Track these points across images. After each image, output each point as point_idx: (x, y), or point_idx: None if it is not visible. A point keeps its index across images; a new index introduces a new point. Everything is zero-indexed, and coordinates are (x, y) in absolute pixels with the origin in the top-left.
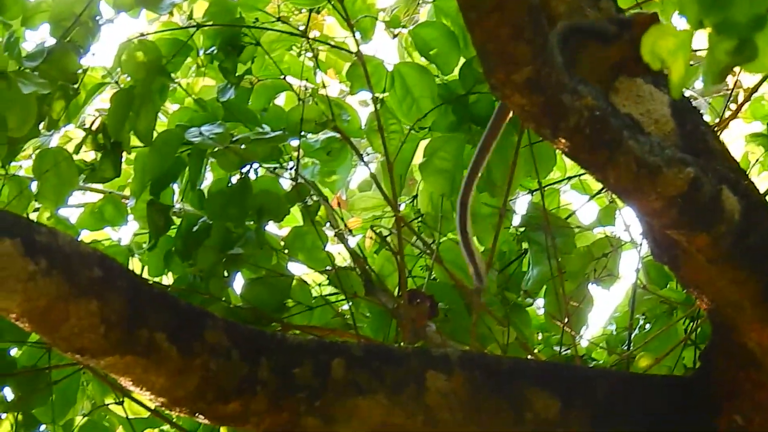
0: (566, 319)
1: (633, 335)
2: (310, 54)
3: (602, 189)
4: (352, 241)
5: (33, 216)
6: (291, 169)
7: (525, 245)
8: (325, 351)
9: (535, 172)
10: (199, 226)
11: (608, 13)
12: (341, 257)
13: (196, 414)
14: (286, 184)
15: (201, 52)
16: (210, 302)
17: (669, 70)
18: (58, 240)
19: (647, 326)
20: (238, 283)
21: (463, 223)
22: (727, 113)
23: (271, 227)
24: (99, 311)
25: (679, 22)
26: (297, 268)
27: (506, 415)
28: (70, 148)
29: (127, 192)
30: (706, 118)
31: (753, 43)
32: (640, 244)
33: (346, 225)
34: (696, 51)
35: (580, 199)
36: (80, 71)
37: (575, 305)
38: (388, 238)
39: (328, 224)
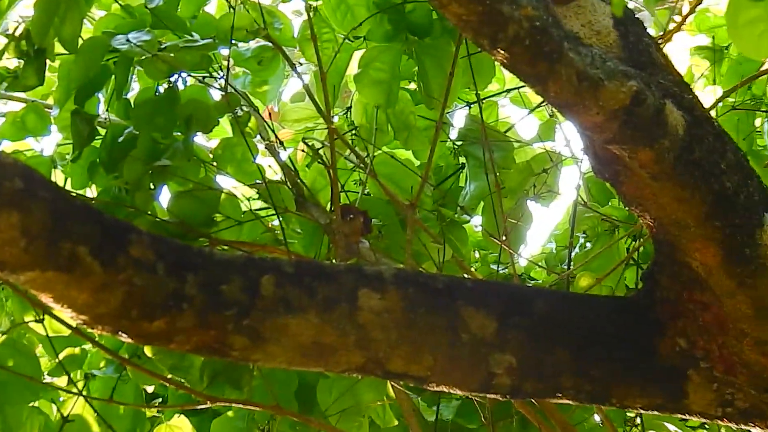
0: (504, 237)
1: (573, 254)
2: None
3: (542, 102)
4: (284, 154)
5: None
6: (221, 78)
7: (462, 160)
8: (255, 267)
9: (473, 84)
10: (124, 137)
11: None
12: (272, 170)
13: (119, 332)
14: (215, 94)
15: None
16: (135, 216)
17: None
18: None
19: (588, 245)
20: (165, 196)
21: None
22: (671, 26)
23: (200, 139)
24: (20, 224)
25: None
26: (226, 182)
27: (441, 335)
28: None
29: (50, 101)
30: (650, 30)
31: None
32: (581, 160)
33: (277, 137)
34: None
35: (519, 113)
36: None
37: (514, 222)
38: (321, 151)
39: (258, 136)
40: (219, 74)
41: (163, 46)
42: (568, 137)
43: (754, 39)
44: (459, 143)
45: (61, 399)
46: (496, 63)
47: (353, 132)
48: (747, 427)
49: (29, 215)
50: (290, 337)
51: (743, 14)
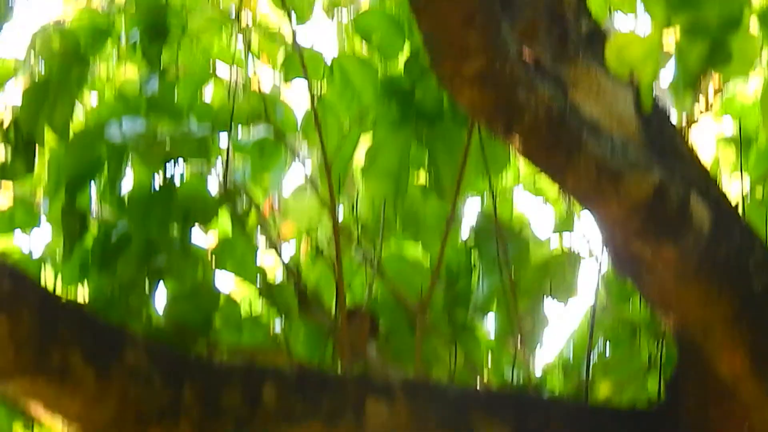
0: (519, 340)
1: (591, 359)
2: (241, 40)
3: (560, 194)
4: (286, 251)
5: None
6: (219, 168)
7: (474, 258)
8: (255, 375)
9: (486, 173)
10: (118, 234)
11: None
12: (274, 268)
13: None
14: (214, 189)
15: (123, 39)
16: (130, 318)
17: (638, 78)
18: None
19: (607, 349)
20: (161, 297)
21: None
22: (696, 111)
23: (198, 238)
24: (8, 328)
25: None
26: (226, 280)
27: None
28: None
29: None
30: (674, 116)
31: (727, 45)
32: (600, 257)
33: (279, 232)
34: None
35: (535, 205)
36: None
37: (529, 324)
38: (325, 248)
39: (259, 231)
40: (218, 165)
41: (159, 135)
42: (587, 234)
43: None
44: (471, 240)
45: None
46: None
47: (360, 227)
48: None
49: (18, 319)
50: None
51: None
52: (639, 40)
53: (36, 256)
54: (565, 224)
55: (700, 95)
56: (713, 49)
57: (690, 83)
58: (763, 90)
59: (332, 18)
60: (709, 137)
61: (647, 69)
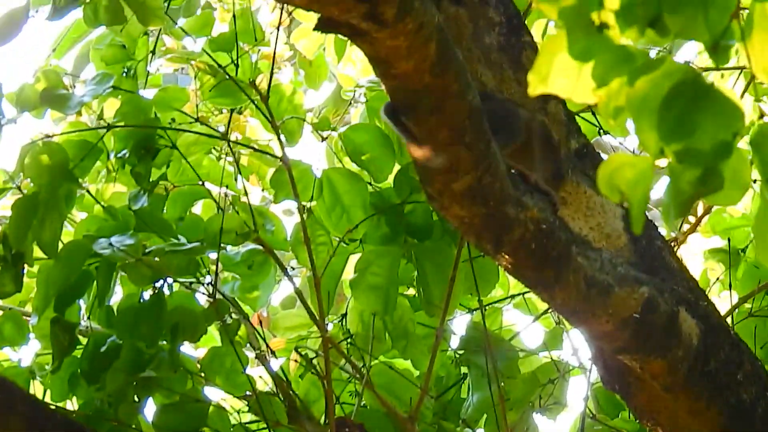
0: None
1: None
2: (230, 158)
3: (548, 309)
4: (275, 364)
5: None
6: (209, 284)
7: (464, 369)
8: None
9: (475, 290)
10: (107, 346)
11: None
12: (263, 381)
13: None
14: (203, 300)
15: (111, 156)
16: (119, 430)
17: (629, 203)
18: None
19: None
20: (150, 409)
21: None
22: (685, 227)
23: (187, 348)
24: None
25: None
26: (214, 393)
27: None
28: None
29: (28, 308)
30: (662, 232)
31: (719, 172)
32: (590, 370)
33: (268, 346)
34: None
35: (524, 320)
36: None
37: None
38: (314, 361)
39: (248, 345)
40: (207, 279)
41: (147, 250)
42: (576, 346)
43: None
44: (461, 352)
45: None
46: (499, 267)
47: (349, 340)
48: None
49: (6, 428)
50: None
51: None
52: (630, 164)
53: (25, 364)
54: (554, 337)
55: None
56: (705, 176)
57: (682, 209)
58: (757, 215)
59: (322, 140)
60: (698, 251)
61: (638, 194)
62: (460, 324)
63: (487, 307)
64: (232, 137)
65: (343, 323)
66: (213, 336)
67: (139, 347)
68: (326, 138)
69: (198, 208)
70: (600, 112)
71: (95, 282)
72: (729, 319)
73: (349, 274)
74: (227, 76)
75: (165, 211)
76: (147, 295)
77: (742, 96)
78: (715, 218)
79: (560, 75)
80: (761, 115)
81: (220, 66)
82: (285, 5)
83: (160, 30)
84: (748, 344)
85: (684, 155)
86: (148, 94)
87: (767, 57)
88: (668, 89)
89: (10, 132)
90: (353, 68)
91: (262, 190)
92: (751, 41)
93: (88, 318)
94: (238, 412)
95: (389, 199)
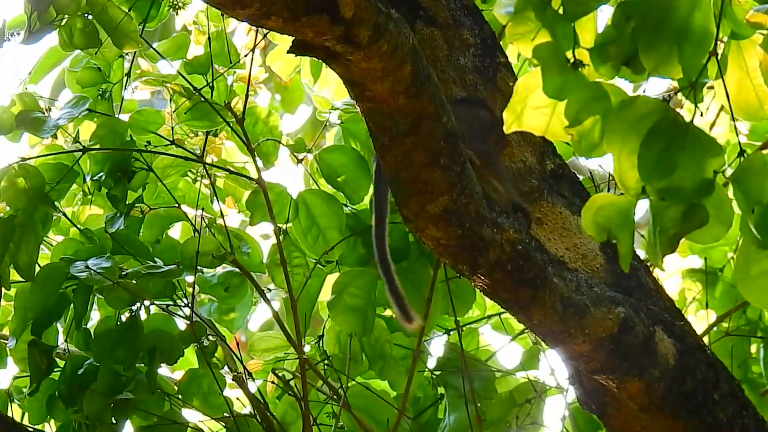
0: None
1: None
2: (206, 181)
3: (525, 329)
4: (252, 386)
5: None
6: (185, 306)
7: (441, 390)
8: None
9: (452, 310)
10: (84, 369)
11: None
12: (240, 403)
13: None
14: (180, 323)
15: (87, 179)
16: None
17: (617, 242)
18: None
19: None
20: (128, 431)
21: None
22: None
23: (164, 370)
24: None
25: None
26: (192, 415)
27: None
28: None
29: (5, 332)
30: (639, 252)
31: (702, 208)
32: (566, 390)
33: (245, 368)
34: None
35: (500, 340)
36: None
37: None
38: (292, 383)
39: (226, 367)
40: (184, 302)
41: (124, 273)
42: (553, 366)
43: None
44: (437, 373)
45: None
46: (476, 288)
47: (326, 362)
48: None
49: None
50: None
51: (755, 266)
52: (614, 204)
53: (2, 387)
54: (531, 357)
55: None
56: (689, 212)
57: (669, 246)
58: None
59: (298, 162)
60: (674, 270)
61: (625, 234)
62: (437, 345)
63: (463, 328)
64: (208, 159)
65: (320, 344)
66: (190, 358)
67: (116, 370)
68: (302, 160)
69: (174, 231)
70: (573, 147)
71: (72, 305)
72: (706, 339)
73: (325, 295)
74: (203, 99)
75: (141, 233)
76: (124, 317)
77: (714, 121)
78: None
79: (534, 112)
80: (741, 152)
81: (195, 88)
82: (260, 28)
83: (136, 53)
84: (725, 364)
85: (666, 193)
86: (124, 117)
87: (743, 94)
88: (647, 129)
89: None
90: (329, 90)
91: (238, 212)
92: (726, 78)
93: (66, 341)
94: None
95: (365, 221)
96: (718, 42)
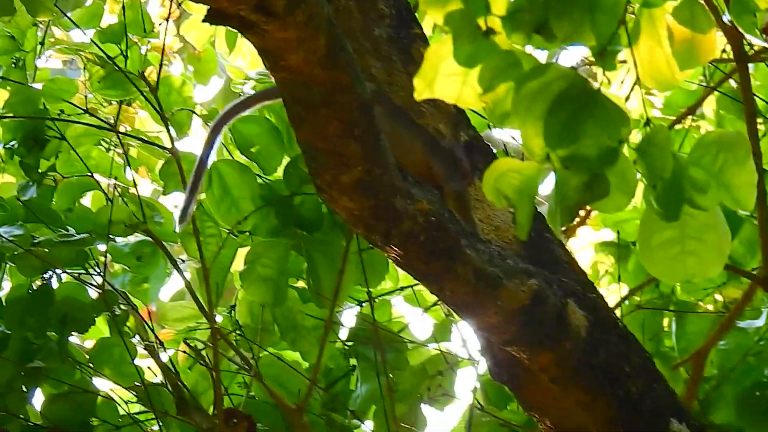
0: None
1: None
2: (120, 150)
3: (438, 301)
4: (164, 356)
5: None
6: (97, 275)
7: (353, 361)
8: None
9: (364, 282)
10: None
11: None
12: (151, 372)
13: None
14: (92, 292)
15: (0, 147)
16: (7, 420)
17: (515, 210)
18: None
19: None
20: (38, 399)
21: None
22: (575, 220)
23: (75, 339)
24: None
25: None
26: (103, 384)
27: None
28: None
29: None
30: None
31: (604, 179)
32: (478, 362)
33: (157, 337)
34: None
35: (413, 312)
36: None
37: (407, 427)
38: (203, 352)
39: (137, 336)
40: (96, 271)
41: (36, 241)
42: (465, 338)
43: (668, 262)
44: (349, 344)
45: None
46: (389, 260)
47: (238, 332)
48: None
49: None
50: None
51: (656, 236)
52: (517, 170)
53: None
54: (443, 329)
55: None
56: (592, 182)
57: (568, 215)
58: (642, 220)
59: None
60: (587, 243)
61: (524, 202)
62: (349, 316)
63: (376, 299)
64: (122, 129)
65: (233, 315)
66: (102, 327)
67: (27, 338)
68: None
69: (87, 200)
70: (487, 116)
71: None
72: (618, 312)
73: (238, 265)
74: (116, 68)
75: (54, 202)
76: (36, 285)
77: (629, 95)
78: None
79: (446, 80)
80: (647, 121)
81: (109, 57)
82: None
83: (49, 21)
84: (637, 337)
85: (570, 161)
86: (37, 86)
87: (654, 63)
88: (554, 95)
89: None
90: (244, 60)
91: (152, 181)
92: (637, 47)
93: None
94: (127, 403)
95: (279, 191)
96: (632, 9)
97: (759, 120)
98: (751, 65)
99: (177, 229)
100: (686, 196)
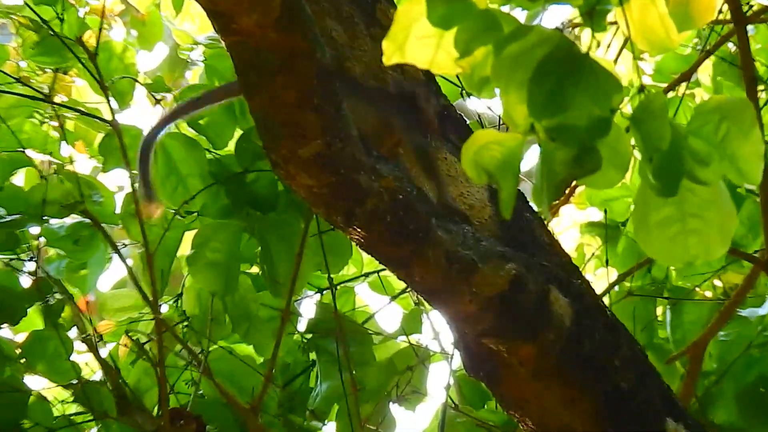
0: None
1: None
2: (55, 123)
3: (406, 288)
4: (104, 350)
5: None
6: (30, 260)
7: (313, 355)
8: None
9: (325, 267)
10: None
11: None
12: (89, 368)
13: None
14: (24, 279)
15: None
16: None
17: (497, 185)
18: None
19: None
20: None
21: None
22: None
23: (5, 332)
24: None
25: None
26: (35, 381)
27: None
28: None
29: None
30: (533, 204)
31: (595, 152)
32: (452, 356)
33: (95, 329)
34: None
35: (379, 300)
36: None
37: (373, 430)
38: (147, 346)
39: (74, 329)
40: (28, 256)
41: None
42: (437, 329)
43: (666, 242)
44: (309, 336)
45: None
46: (352, 242)
47: (185, 323)
48: None
49: None
50: None
51: (654, 213)
52: (498, 142)
53: None
54: (412, 320)
55: None
56: (581, 155)
57: (555, 192)
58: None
59: (156, 103)
60: (572, 224)
61: (508, 177)
62: (308, 305)
63: (338, 287)
64: (57, 99)
65: (179, 304)
66: (34, 318)
67: None
68: (161, 100)
69: (19, 178)
70: (464, 83)
71: None
72: (606, 299)
73: (185, 250)
74: (51, 32)
75: None
76: None
77: (616, 60)
78: (591, 189)
79: (418, 43)
80: (641, 88)
81: (43, 21)
82: None
83: None
84: (627, 327)
85: (557, 133)
86: None
87: (647, 23)
88: (539, 60)
89: None
90: (192, 24)
91: (90, 157)
92: (629, 5)
93: None
94: (62, 403)
95: (230, 168)
96: None
97: (759, 87)
98: (750, 27)
99: (155, 214)
100: (686, 168)
